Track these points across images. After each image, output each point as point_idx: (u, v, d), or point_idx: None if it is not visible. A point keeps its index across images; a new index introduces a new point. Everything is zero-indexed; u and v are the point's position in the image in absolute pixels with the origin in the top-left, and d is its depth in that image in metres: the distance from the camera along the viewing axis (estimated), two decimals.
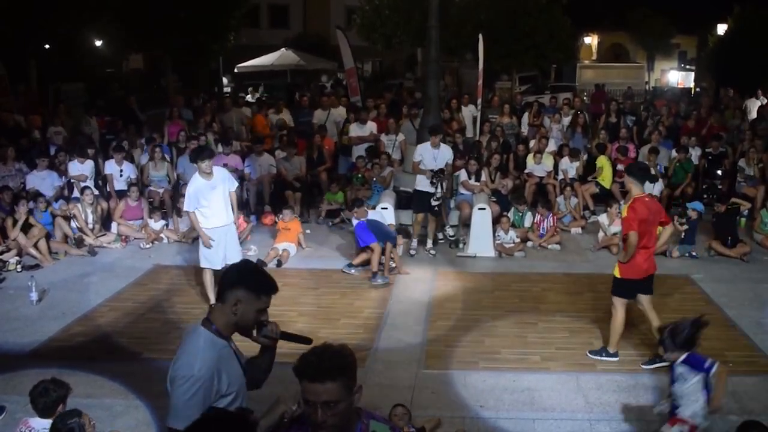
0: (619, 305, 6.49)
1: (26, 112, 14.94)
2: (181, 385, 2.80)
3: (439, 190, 9.37)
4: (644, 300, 6.55)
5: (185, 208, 7.61)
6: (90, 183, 10.72)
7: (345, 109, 14.12)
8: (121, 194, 10.89)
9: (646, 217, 6.24)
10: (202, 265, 7.61)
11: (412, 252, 9.64)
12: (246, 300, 2.90)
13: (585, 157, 12.43)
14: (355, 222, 9.33)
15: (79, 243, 9.81)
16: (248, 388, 3.14)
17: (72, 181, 10.77)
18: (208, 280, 7.65)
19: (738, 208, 10.46)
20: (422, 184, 9.47)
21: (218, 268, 7.55)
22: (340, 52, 16.89)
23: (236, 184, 7.90)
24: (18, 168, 10.83)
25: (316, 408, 2.38)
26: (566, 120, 13.75)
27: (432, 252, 9.65)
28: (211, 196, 7.32)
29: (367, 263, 8.80)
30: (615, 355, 6.55)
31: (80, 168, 10.72)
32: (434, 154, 9.39)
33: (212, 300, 7.64)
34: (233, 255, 7.58)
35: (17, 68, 19.12)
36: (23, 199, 9.71)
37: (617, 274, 6.48)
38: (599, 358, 6.57)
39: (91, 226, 10.13)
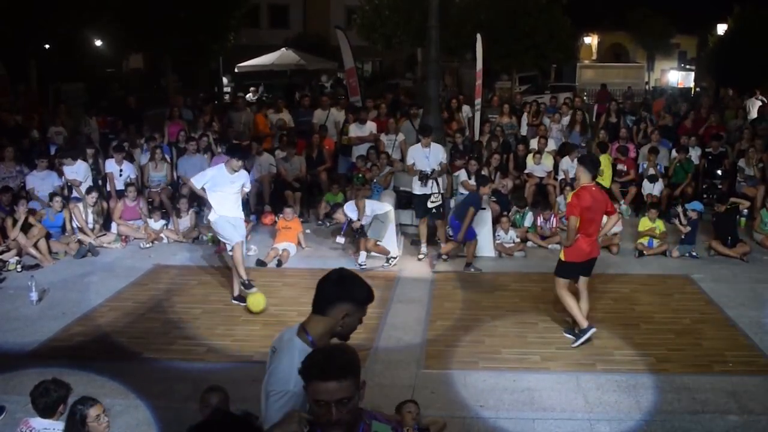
0: (560, 286, 6.92)
1: (26, 113, 14.93)
2: (277, 400, 2.79)
3: (434, 189, 9.34)
4: (582, 281, 6.96)
5: (193, 180, 7.92)
6: (89, 183, 10.72)
7: (344, 110, 14.11)
8: (121, 194, 10.89)
9: (589, 205, 6.65)
10: (233, 242, 7.78)
11: (421, 256, 9.57)
12: (353, 312, 2.95)
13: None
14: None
15: (83, 251, 9.77)
16: None
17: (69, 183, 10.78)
18: (239, 256, 7.81)
19: (737, 207, 10.46)
20: (419, 187, 9.46)
21: (244, 241, 8.01)
22: (341, 52, 16.82)
23: (249, 186, 8.38)
24: (19, 170, 10.81)
25: (329, 407, 2.38)
26: (566, 120, 13.76)
27: (444, 257, 9.53)
28: (228, 189, 7.73)
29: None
30: (589, 328, 6.78)
31: (72, 170, 10.70)
32: (426, 154, 9.40)
33: (243, 276, 7.80)
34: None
35: (17, 68, 19.12)
36: (23, 198, 9.72)
37: (562, 257, 6.92)
38: (580, 341, 6.77)
39: (91, 226, 10.13)
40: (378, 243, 9.21)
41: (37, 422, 4.33)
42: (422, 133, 9.63)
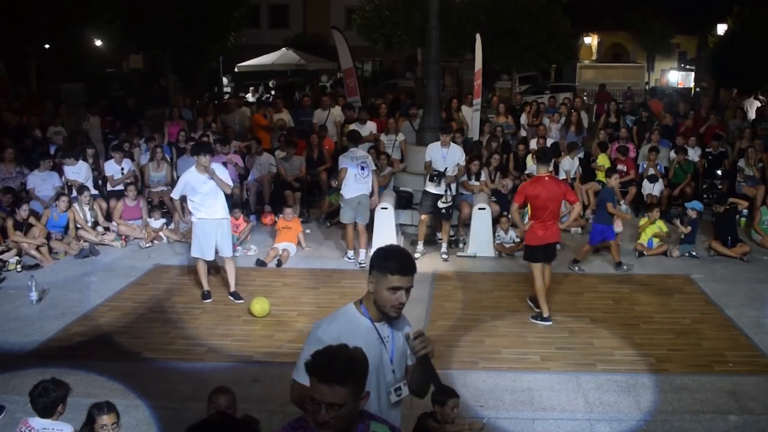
0: (533, 269, 7.42)
1: (26, 113, 14.93)
2: (307, 342, 3.03)
3: (447, 191, 9.29)
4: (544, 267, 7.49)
5: (172, 194, 8.04)
6: (89, 183, 10.73)
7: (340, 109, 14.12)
8: (121, 194, 10.86)
9: (537, 194, 7.23)
10: (193, 254, 7.99)
11: (417, 255, 9.59)
12: (377, 280, 3.02)
13: (581, 155, 12.42)
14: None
15: (84, 253, 9.76)
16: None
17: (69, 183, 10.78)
18: (201, 269, 8.02)
19: (736, 207, 10.46)
20: (431, 185, 9.42)
21: (208, 259, 7.96)
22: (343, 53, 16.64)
23: (234, 182, 8.27)
24: (19, 171, 10.80)
25: (320, 407, 2.40)
26: (565, 119, 13.77)
27: (444, 256, 9.56)
28: (203, 190, 7.64)
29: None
30: (548, 319, 7.32)
31: (73, 171, 10.70)
32: (443, 154, 9.34)
33: (205, 287, 8.00)
34: (224, 249, 7.94)
35: (17, 68, 19.15)
36: (23, 201, 9.70)
37: (525, 241, 7.64)
38: (536, 322, 7.35)
39: (90, 225, 10.13)
40: (352, 228, 9.23)
41: (37, 422, 4.33)
42: (441, 131, 9.66)
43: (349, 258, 9.38)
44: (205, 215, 7.71)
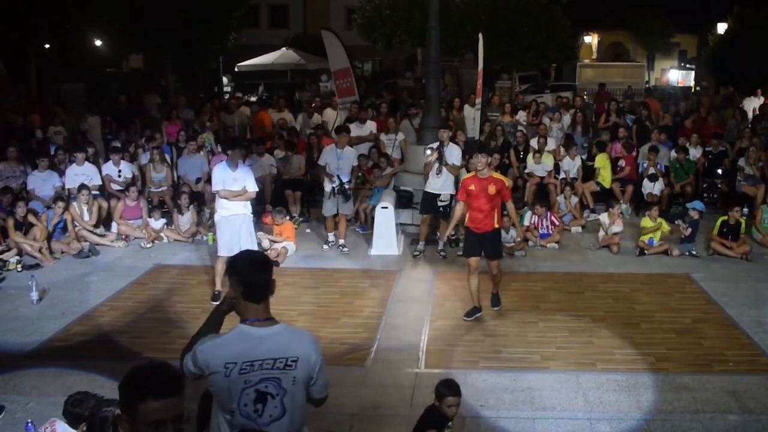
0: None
1: (26, 113, 14.93)
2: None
3: (444, 189, 9.31)
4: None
5: (213, 189, 8.10)
6: (96, 182, 10.73)
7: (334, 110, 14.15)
8: (122, 193, 10.85)
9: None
10: (220, 253, 7.98)
11: (416, 254, 9.61)
12: None
13: (585, 156, 12.42)
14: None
15: (84, 254, 9.75)
16: None
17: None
18: (220, 268, 7.98)
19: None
20: (430, 185, 9.43)
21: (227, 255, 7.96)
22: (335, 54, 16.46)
23: (256, 188, 8.20)
24: (22, 170, 10.80)
25: (166, 427, 2.24)
26: (566, 118, 13.74)
27: (443, 253, 9.59)
28: (230, 187, 7.81)
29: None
30: (479, 309, 7.48)
31: (80, 171, 10.71)
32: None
33: (218, 287, 8.03)
34: (247, 245, 7.92)
35: (17, 68, 19.13)
36: (22, 200, 9.69)
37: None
38: (470, 318, 7.39)
39: (91, 226, 10.14)
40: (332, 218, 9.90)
41: (62, 426, 4.28)
42: (440, 127, 9.89)
43: (331, 243, 10.03)
44: (228, 212, 7.85)
